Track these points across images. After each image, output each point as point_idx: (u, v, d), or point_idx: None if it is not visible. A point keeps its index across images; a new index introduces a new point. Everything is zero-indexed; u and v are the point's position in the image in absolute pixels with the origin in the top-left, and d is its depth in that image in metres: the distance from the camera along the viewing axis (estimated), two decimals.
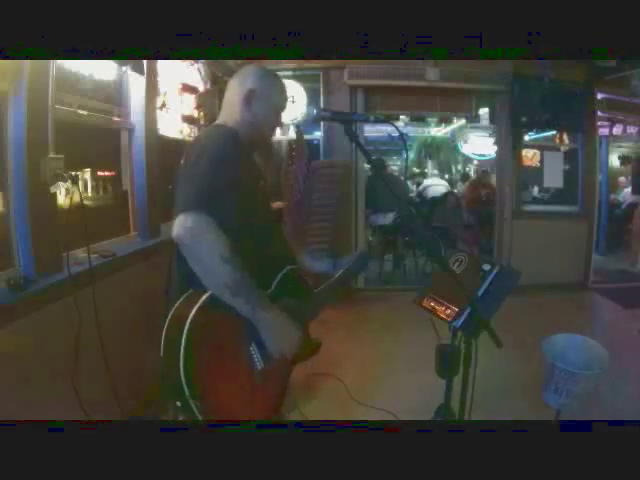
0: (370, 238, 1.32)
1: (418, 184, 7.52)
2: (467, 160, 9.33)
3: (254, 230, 1.17)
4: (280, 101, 1.27)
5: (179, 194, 1.05)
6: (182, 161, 1.17)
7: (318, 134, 4.76)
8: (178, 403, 0.97)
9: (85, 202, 1.91)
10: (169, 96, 2.87)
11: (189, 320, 0.96)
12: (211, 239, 0.98)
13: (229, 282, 0.98)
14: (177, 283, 1.15)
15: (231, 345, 1.04)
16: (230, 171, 1.06)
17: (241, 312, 1.01)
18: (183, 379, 0.93)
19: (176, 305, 1.04)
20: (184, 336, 0.95)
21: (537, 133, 5.21)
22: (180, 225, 0.98)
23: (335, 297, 1.33)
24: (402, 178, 6.59)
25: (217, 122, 1.25)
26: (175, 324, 0.99)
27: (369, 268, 1.43)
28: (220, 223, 0.99)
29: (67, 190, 1.82)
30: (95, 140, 2.27)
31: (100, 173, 2.11)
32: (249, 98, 1.19)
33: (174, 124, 2.94)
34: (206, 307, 1.00)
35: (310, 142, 4.54)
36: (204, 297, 1.01)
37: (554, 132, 5.10)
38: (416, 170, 9.03)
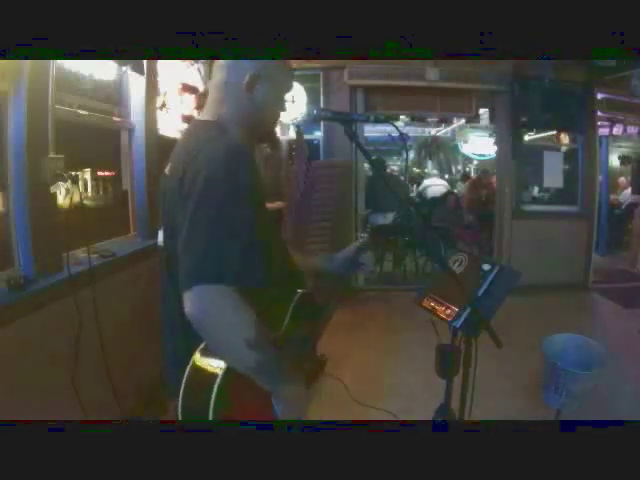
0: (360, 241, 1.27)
1: (418, 184, 7.53)
2: (467, 160, 9.36)
3: (272, 261, 1.03)
4: (288, 82, 1.11)
5: (186, 250, 0.83)
6: (169, 170, 1.00)
7: (318, 134, 4.77)
8: None
9: (85, 202, 1.91)
10: (169, 96, 2.87)
11: (217, 384, 0.83)
12: (236, 322, 0.81)
13: (251, 365, 0.84)
14: (171, 310, 0.99)
15: (258, 401, 0.92)
16: (249, 205, 0.88)
17: (256, 381, 0.88)
18: None
19: (197, 360, 0.88)
20: (212, 402, 0.82)
21: (537, 133, 5.21)
22: (195, 301, 0.80)
23: (336, 301, 1.28)
24: (402, 178, 6.58)
25: (206, 118, 1.05)
26: (200, 383, 0.86)
27: (368, 267, 1.36)
28: (243, 275, 0.83)
29: (67, 190, 1.82)
30: (95, 140, 2.28)
31: (100, 173, 2.11)
32: (252, 84, 1.01)
33: (174, 124, 2.94)
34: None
35: (310, 142, 4.55)
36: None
37: (554, 132, 5.10)
38: (416, 170, 9.04)
